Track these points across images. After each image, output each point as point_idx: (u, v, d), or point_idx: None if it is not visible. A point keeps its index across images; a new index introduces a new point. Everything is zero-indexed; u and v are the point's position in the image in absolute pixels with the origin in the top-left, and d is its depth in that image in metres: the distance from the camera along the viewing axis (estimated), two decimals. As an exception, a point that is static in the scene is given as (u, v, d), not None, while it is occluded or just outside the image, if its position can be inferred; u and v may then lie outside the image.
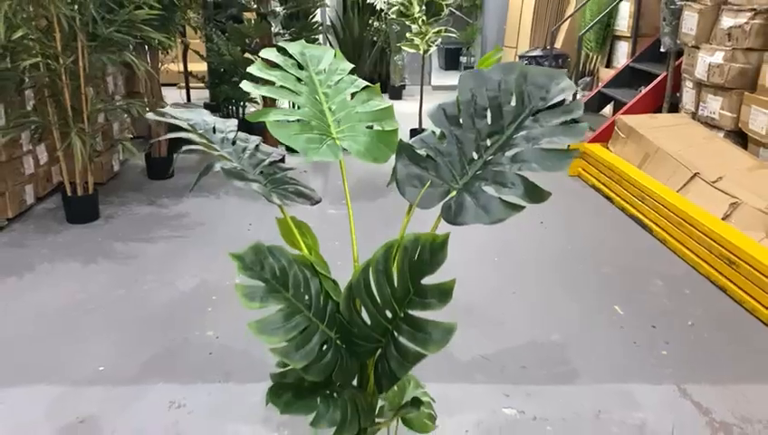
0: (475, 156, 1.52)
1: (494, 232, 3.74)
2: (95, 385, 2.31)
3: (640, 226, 3.88)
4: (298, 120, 1.56)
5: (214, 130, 1.66)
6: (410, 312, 1.34)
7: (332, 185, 4.60)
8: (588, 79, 6.59)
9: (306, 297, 1.43)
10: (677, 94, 4.99)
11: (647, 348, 2.59)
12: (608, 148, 4.73)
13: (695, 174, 3.83)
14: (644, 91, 5.20)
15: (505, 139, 1.50)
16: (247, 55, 4.55)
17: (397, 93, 7.97)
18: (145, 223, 3.86)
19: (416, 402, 1.52)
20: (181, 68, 6.06)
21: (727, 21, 4.26)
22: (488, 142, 1.52)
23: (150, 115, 1.58)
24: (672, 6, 4.81)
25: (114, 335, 2.64)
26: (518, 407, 2.21)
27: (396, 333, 1.37)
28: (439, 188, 1.50)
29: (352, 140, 1.58)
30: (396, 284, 1.37)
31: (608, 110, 6.00)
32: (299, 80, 1.65)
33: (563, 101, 1.52)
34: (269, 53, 1.67)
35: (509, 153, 1.47)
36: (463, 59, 10.26)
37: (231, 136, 1.68)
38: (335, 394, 1.42)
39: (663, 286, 3.12)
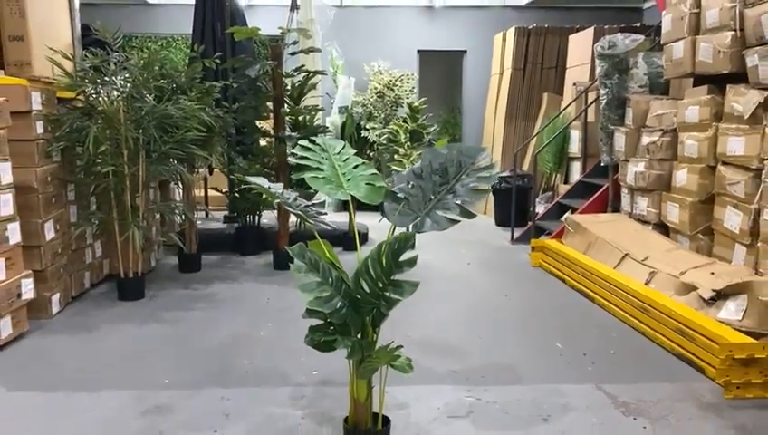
0: (432, 197, 2.50)
1: (467, 300, 4.63)
2: (164, 389, 3.12)
3: (585, 296, 4.78)
4: (324, 177, 2.55)
5: (269, 187, 2.65)
6: (393, 278, 2.25)
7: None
8: (549, 193, 7.74)
9: (329, 279, 2.34)
10: (619, 201, 6.07)
11: (576, 366, 3.42)
12: (561, 242, 5.72)
13: (625, 254, 4.81)
14: (591, 199, 6.30)
15: (450, 186, 2.49)
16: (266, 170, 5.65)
17: (389, 211, 9.08)
18: (183, 300, 4.74)
19: (399, 347, 2.38)
20: (201, 193, 7.24)
21: (645, 139, 5.43)
22: (440, 189, 2.51)
23: (236, 175, 2.56)
24: (606, 130, 6.03)
25: (172, 363, 3.46)
26: (476, 396, 3.03)
27: (385, 293, 2.28)
28: (411, 215, 2.46)
29: (356, 190, 2.56)
30: (384, 265, 2.29)
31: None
32: (323, 157, 2.67)
33: (486, 165, 2.53)
34: (305, 142, 2.69)
35: (451, 193, 2.46)
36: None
37: (280, 191, 2.67)
38: (348, 335, 2.30)
39: (596, 332, 3.98)
